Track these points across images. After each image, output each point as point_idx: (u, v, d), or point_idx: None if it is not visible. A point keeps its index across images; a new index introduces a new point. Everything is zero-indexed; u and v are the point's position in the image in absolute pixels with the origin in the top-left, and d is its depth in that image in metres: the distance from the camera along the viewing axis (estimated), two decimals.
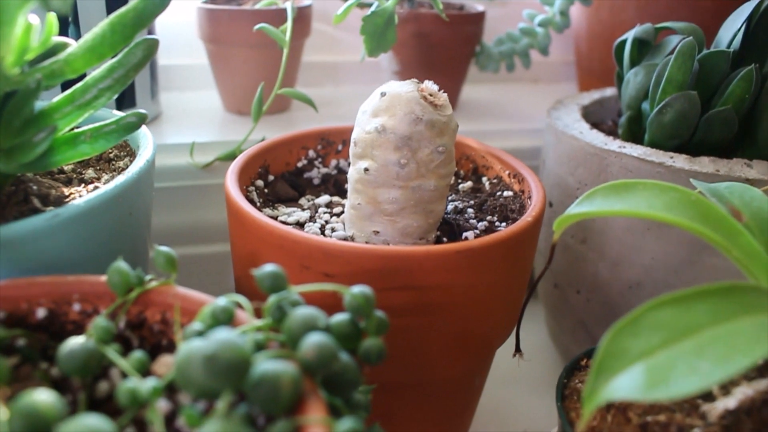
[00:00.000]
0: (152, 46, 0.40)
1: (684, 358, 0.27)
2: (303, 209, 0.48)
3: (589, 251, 0.55)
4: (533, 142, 0.70)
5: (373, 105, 0.42)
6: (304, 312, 0.28)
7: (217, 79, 0.73)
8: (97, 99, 0.40)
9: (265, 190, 0.50)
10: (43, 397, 0.25)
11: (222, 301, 0.29)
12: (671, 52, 0.52)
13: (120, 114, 0.42)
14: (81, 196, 0.42)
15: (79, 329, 0.34)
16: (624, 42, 0.58)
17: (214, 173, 0.63)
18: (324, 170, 0.54)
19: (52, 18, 0.38)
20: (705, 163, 0.49)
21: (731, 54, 0.51)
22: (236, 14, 0.67)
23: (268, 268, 0.30)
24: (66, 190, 0.43)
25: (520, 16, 0.75)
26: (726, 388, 0.36)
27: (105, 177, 0.46)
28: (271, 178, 0.51)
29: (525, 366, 0.64)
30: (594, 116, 0.64)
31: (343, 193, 0.51)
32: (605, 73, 0.75)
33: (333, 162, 0.55)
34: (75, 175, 0.47)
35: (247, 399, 0.26)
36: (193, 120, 0.71)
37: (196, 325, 0.29)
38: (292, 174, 0.53)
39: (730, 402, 0.33)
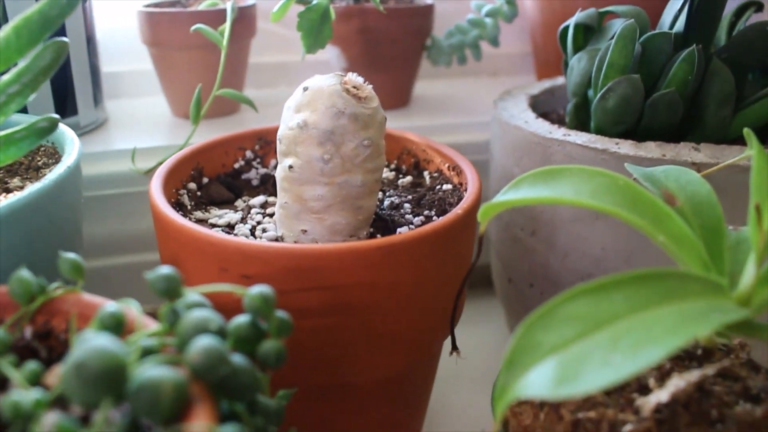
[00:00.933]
0: (61, 48, 0.38)
1: (597, 351, 0.25)
2: (236, 211, 0.46)
3: (538, 243, 0.53)
4: (485, 135, 0.69)
5: (296, 100, 0.40)
6: (197, 315, 0.26)
7: (162, 83, 0.71)
8: (7, 105, 0.38)
9: (198, 193, 0.48)
10: None
11: (111, 307, 0.27)
12: (613, 36, 0.51)
13: (32, 119, 0.40)
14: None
15: None
16: (567, 27, 0.57)
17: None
18: (263, 170, 0.52)
19: None
20: (651, 148, 0.47)
21: (673, 36, 0.49)
22: (176, 16, 0.65)
23: (162, 270, 0.28)
24: None
25: (469, 8, 0.74)
26: (663, 380, 0.34)
27: (30, 186, 0.45)
28: (205, 180, 0.49)
29: (486, 363, 0.63)
30: (545, 106, 0.63)
31: None
32: (560, 62, 0.74)
33: (272, 162, 0.53)
34: (0, 184, 0.45)
35: (133, 407, 0.24)
36: (140, 126, 0.70)
37: (87, 334, 0.27)
38: (228, 175, 0.51)
39: (662, 395, 0.32)
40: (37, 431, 0.26)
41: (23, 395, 0.26)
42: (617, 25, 0.54)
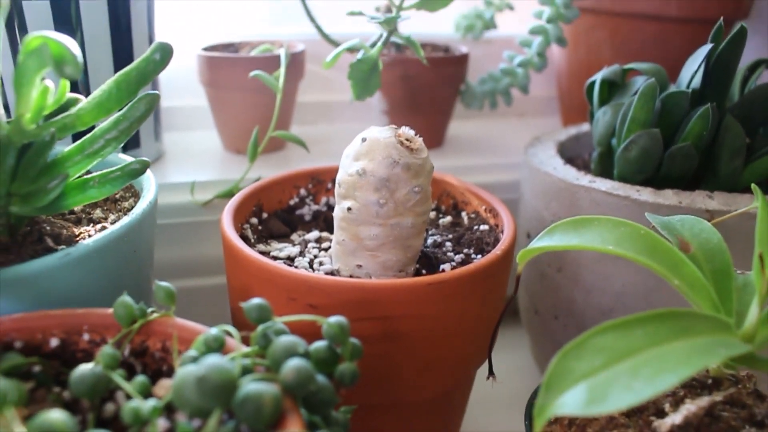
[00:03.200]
0: (153, 100, 0.44)
1: (621, 377, 0.30)
2: (294, 245, 0.52)
3: (564, 279, 0.58)
4: (515, 175, 0.74)
5: (355, 149, 0.46)
6: (286, 339, 0.31)
7: (216, 120, 0.77)
8: (104, 148, 0.44)
9: (259, 227, 0.53)
10: (57, 416, 0.29)
11: (214, 331, 0.33)
12: (636, 93, 0.56)
13: (126, 160, 0.46)
14: (90, 236, 0.46)
15: (88, 357, 0.38)
16: (594, 82, 0.62)
17: (213, 210, 0.66)
18: (315, 207, 0.58)
19: (66, 81, 0.42)
20: (669, 196, 0.52)
21: (690, 93, 0.55)
22: (234, 61, 0.71)
23: (255, 301, 0.34)
24: (76, 230, 0.47)
25: (501, 54, 0.80)
26: (677, 405, 0.39)
27: (111, 217, 0.50)
28: (264, 215, 0.55)
29: (510, 388, 0.67)
30: (571, 151, 0.68)
31: (332, 229, 0.55)
32: (585, 108, 0.79)
33: (323, 199, 0.59)
34: (84, 215, 0.51)
35: (235, 416, 0.29)
36: (194, 159, 0.75)
37: (192, 353, 0.33)
38: (284, 211, 0.57)
39: (676, 417, 0.36)
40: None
41: (142, 403, 0.31)
42: (639, 82, 0.59)
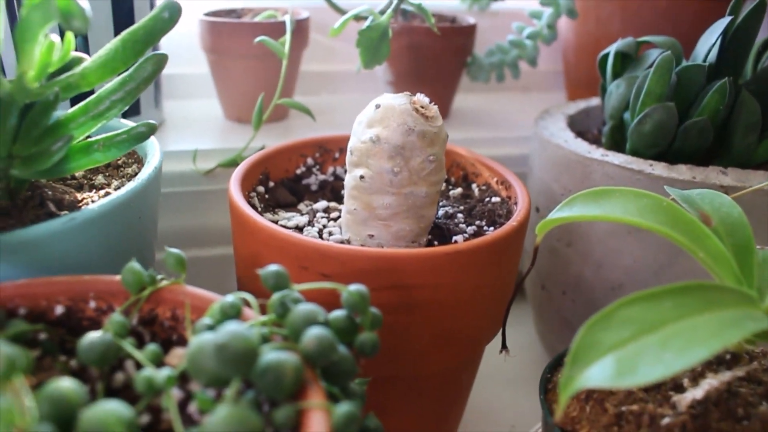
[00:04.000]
0: (161, 60, 0.43)
1: (650, 349, 0.30)
2: (302, 214, 0.51)
3: (574, 254, 0.57)
4: (522, 149, 0.73)
5: (368, 116, 0.44)
6: (306, 308, 0.30)
7: (218, 88, 0.76)
8: (110, 110, 0.42)
9: (266, 196, 0.52)
10: (67, 384, 0.28)
11: (230, 298, 0.32)
12: (651, 66, 0.55)
13: (130, 124, 0.44)
14: (93, 201, 0.45)
15: (94, 325, 0.37)
16: (607, 55, 0.61)
17: (215, 179, 0.65)
18: (321, 177, 0.57)
19: (70, 36, 0.40)
20: (682, 171, 0.52)
21: (707, 67, 0.54)
22: (237, 27, 0.69)
23: (272, 267, 0.33)
24: (78, 195, 0.46)
25: (509, 26, 0.78)
26: (696, 380, 0.38)
27: (114, 183, 0.49)
28: (271, 184, 0.54)
29: (513, 364, 0.67)
30: (580, 125, 0.67)
31: (339, 199, 0.54)
32: (592, 83, 0.78)
33: (330, 169, 0.58)
34: (86, 181, 0.49)
35: (254, 386, 0.28)
36: (195, 128, 0.74)
37: (206, 320, 0.32)
38: (291, 180, 0.55)
39: (697, 392, 0.36)
40: (167, 403, 0.30)
41: (155, 372, 0.30)
42: (654, 55, 0.58)
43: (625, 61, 0.61)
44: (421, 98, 0.44)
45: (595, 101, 0.71)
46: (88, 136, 0.44)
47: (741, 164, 0.54)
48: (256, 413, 0.26)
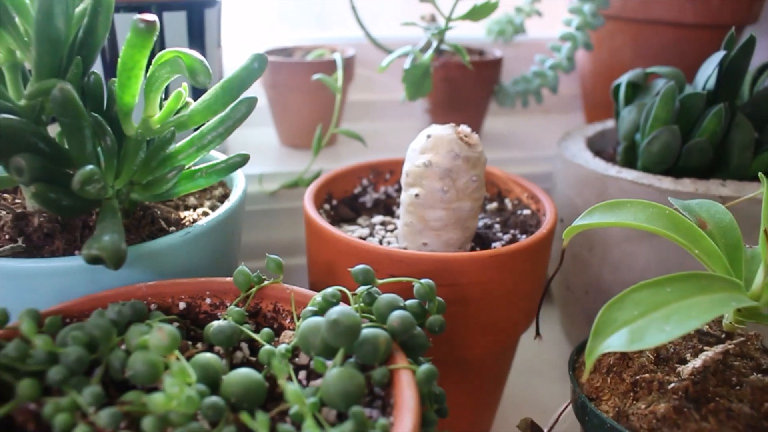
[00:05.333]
0: (252, 103, 0.52)
1: (655, 323, 0.38)
2: (362, 227, 0.60)
3: (594, 258, 0.66)
4: (545, 167, 0.82)
5: (421, 144, 0.54)
6: (388, 296, 0.40)
7: (275, 118, 0.85)
8: (211, 143, 0.52)
9: (331, 213, 0.62)
10: (211, 355, 0.37)
11: (330, 290, 0.41)
12: (657, 94, 0.64)
13: (218, 154, 0.54)
14: (193, 220, 0.54)
15: (209, 318, 0.46)
16: (619, 84, 0.70)
17: (278, 199, 0.75)
18: (375, 195, 0.66)
19: (186, 87, 0.50)
20: (687, 184, 0.60)
21: (706, 94, 0.63)
22: (294, 66, 0.79)
23: (360, 266, 0.42)
24: (181, 214, 0.55)
25: (530, 56, 0.87)
26: (697, 355, 0.47)
27: (207, 203, 0.58)
28: (334, 202, 0.63)
29: (543, 359, 0.76)
30: (597, 145, 0.76)
31: (392, 214, 0.63)
32: (607, 105, 0.87)
33: (382, 189, 0.67)
34: (180, 202, 0.59)
35: (354, 355, 0.37)
36: (255, 153, 0.83)
37: (311, 308, 0.41)
38: (349, 199, 0.65)
39: (697, 362, 0.44)
40: (283, 367, 0.39)
41: (272, 348, 0.39)
42: (660, 84, 0.67)
43: (636, 89, 0.70)
44: (465, 128, 0.54)
45: (609, 123, 0.80)
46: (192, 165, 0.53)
47: (738, 177, 0.63)
48: (359, 372, 0.36)
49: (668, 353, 0.48)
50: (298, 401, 0.31)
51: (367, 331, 0.37)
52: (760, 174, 0.49)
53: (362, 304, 0.41)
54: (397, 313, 0.38)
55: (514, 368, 0.64)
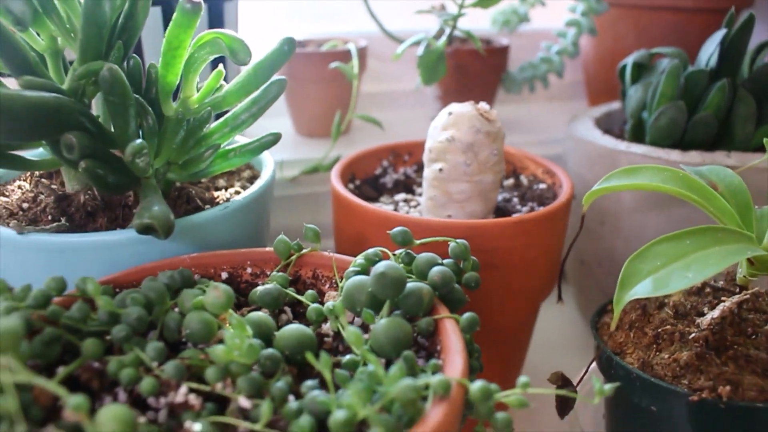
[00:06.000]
0: (283, 85, 0.54)
1: (677, 271, 0.41)
2: (386, 204, 0.63)
3: (606, 231, 0.69)
4: (554, 149, 0.85)
5: (443, 121, 0.56)
6: (427, 254, 0.42)
7: (290, 108, 0.88)
8: (245, 123, 0.54)
9: (355, 191, 0.64)
10: (261, 314, 0.40)
11: (372, 250, 0.43)
12: (662, 72, 0.67)
13: (259, 135, 0.56)
14: (228, 198, 0.56)
15: (251, 287, 0.48)
16: (625, 65, 0.73)
17: (298, 185, 0.77)
18: (395, 176, 0.69)
19: (221, 69, 0.52)
20: (694, 156, 0.63)
21: (709, 71, 0.65)
22: (309, 56, 0.82)
23: (399, 228, 0.44)
24: (214, 194, 0.58)
25: (532, 45, 0.90)
26: (714, 309, 0.50)
27: (237, 184, 0.61)
28: (357, 182, 0.66)
29: (559, 335, 0.78)
30: (604, 125, 0.79)
31: (412, 192, 0.65)
32: (610, 90, 0.90)
33: (401, 170, 0.70)
34: (210, 184, 0.62)
35: (400, 308, 0.40)
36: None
37: (353, 268, 0.43)
38: (371, 179, 0.68)
39: (715, 313, 0.47)
40: (335, 324, 0.41)
41: (320, 306, 0.42)
42: (664, 64, 0.70)
43: (641, 69, 0.73)
44: (484, 105, 0.56)
45: (615, 105, 0.83)
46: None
47: (742, 149, 0.65)
48: (406, 322, 0.38)
49: (686, 309, 0.50)
50: (357, 342, 0.33)
51: (411, 285, 0.39)
52: (765, 140, 0.52)
53: (402, 264, 0.44)
54: (437, 269, 0.41)
55: (532, 344, 0.67)
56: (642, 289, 0.41)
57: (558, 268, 0.56)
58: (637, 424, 0.50)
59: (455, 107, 0.56)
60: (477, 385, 0.33)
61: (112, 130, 0.48)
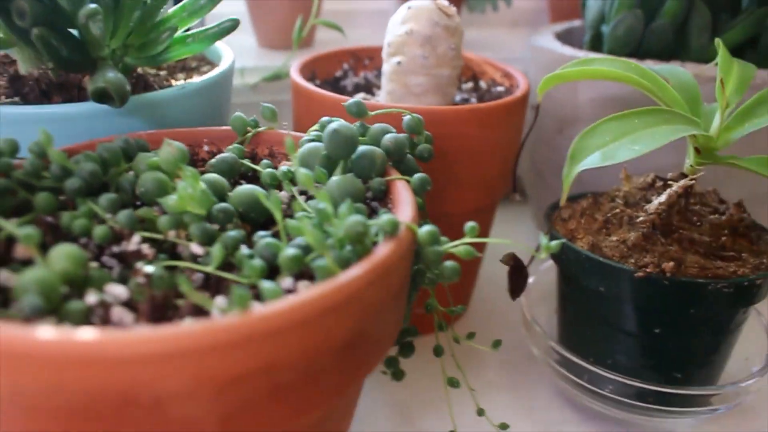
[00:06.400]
0: None
1: (624, 145, 0.42)
2: None
3: (564, 140, 0.70)
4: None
5: (402, 15, 0.56)
6: (381, 125, 0.43)
7: (253, 21, 0.87)
8: (203, 8, 0.54)
9: None
10: (216, 175, 0.40)
11: (326, 118, 0.44)
12: None
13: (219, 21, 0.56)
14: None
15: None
16: None
17: (259, 92, 0.77)
18: (355, 80, 0.69)
19: None
20: (649, 65, 0.64)
21: None
22: None
23: (354, 99, 0.45)
24: (173, 82, 0.57)
25: None
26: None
27: (195, 77, 0.61)
28: (317, 82, 0.66)
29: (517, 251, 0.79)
30: (565, 40, 0.80)
31: (371, 95, 0.66)
32: (573, 15, 0.91)
33: (361, 74, 0.70)
34: (171, 78, 0.61)
35: (352, 170, 0.40)
36: (235, 53, 0.86)
37: (307, 137, 0.44)
38: (331, 81, 0.68)
39: (661, 198, 0.49)
40: (288, 188, 0.42)
41: (273, 170, 0.42)
42: None
43: None
44: (443, 1, 0.56)
45: (576, 23, 0.83)
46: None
47: (697, 60, 0.67)
48: (358, 181, 0.39)
49: (635, 199, 0.52)
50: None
51: (363, 147, 0.40)
52: (716, 40, 0.53)
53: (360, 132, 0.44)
54: (390, 135, 0.41)
55: (487, 255, 0.68)
56: (591, 161, 0.42)
57: (513, 164, 0.57)
58: (587, 308, 0.52)
59: (414, 2, 0.56)
60: (425, 229, 0.34)
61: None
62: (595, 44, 0.71)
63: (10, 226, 0.32)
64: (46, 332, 0.25)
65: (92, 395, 0.25)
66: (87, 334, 0.25)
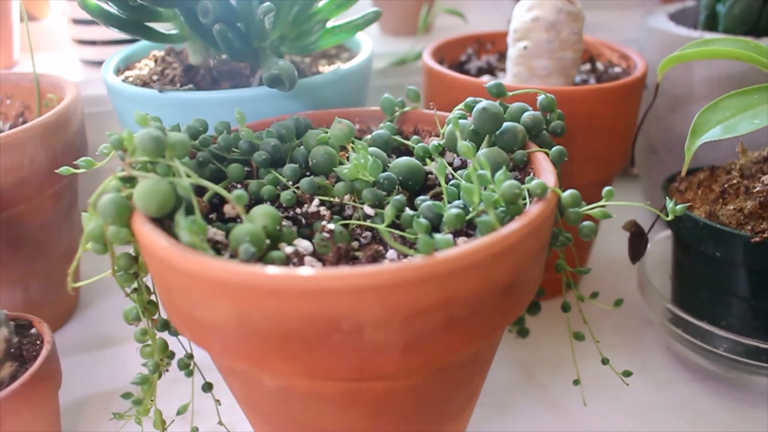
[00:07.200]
0: None
1: (745, 119, 0.46)
2: None
3: (677, 119, 0.73)
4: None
5: (528, 3, 0.61)
6: (519, 103, 0.48)
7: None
8: (350, 0, 0.60)
9: None
10: (377, 149, 0.46)
11: (471, 98, 0.49)
12: None
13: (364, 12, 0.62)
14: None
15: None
16: None
17: (386, 75, 0.83)
18: (478, 63, 0.74)
19: None
20: (766, 42, 0.67)
21: None
22: None
23: (494, 81, 0.50)
24: (320, 70, 0.64)
25: None
26: None
27: (338, 63, 0.67)
28: (445, 65, 0.71)
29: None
30: (678, 21, 0.82)
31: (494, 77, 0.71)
32: None
33: (484, 58, 0.75)
34: (315, 64, 0.68)
35: (496, 143, 0.46)
36: None
37: (454, 114, 0.49)
38: (456, 65, 0.73)
39: None
40: (439, 160, 0.48)
41: (425, 145, 0.48)
42: None
43: None
44: None
45: (689, 3, 0.86)
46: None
47: None
48: (503, 152, 0.44)
49: (751, 171, 0.55)
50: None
51: (507, 123, 0.45)
52: None
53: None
54: (528, 113, 0.46)
55: (601, 228, 0.72)
56: (712, 134, 0.46)
57: (631, 140, 0.62)
58: (702, 274, 0.55)
59: None
60: (568, 192, 0.39)
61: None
62: (711, 24, 0.74)
63: (223, 191, 0.39)
64: (273, 269, 0.32)
65: (305, 321, 0.32)
66: (306, 270, 0.31)
